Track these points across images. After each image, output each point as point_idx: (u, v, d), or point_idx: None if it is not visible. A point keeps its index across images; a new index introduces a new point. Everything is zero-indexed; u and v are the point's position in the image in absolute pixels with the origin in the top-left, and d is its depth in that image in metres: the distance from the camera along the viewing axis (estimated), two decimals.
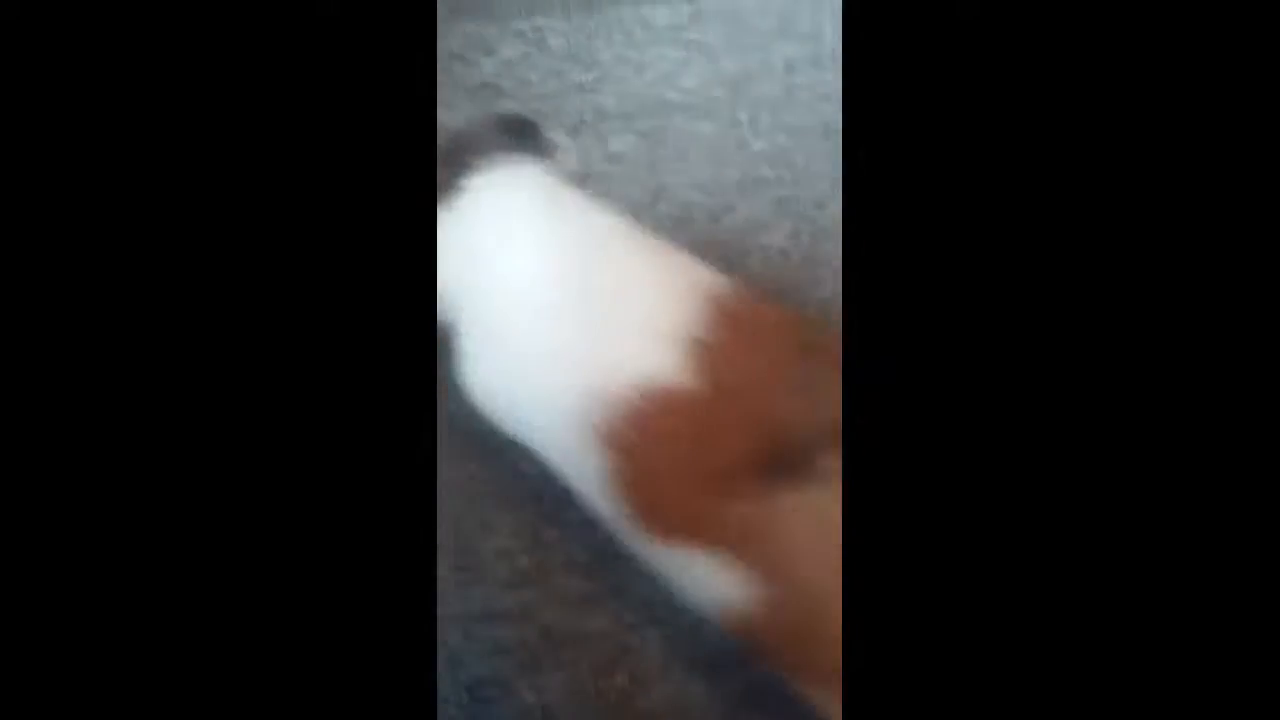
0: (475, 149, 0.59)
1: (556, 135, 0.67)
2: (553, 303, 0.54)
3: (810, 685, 0.50)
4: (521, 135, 0.63)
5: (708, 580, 0.50)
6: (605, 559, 0.66)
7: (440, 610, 0.67)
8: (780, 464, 0.48)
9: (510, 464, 0.70)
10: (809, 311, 0.77)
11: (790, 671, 0.51)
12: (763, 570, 0.48)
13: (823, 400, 0.48)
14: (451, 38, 0.98)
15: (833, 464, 0.47)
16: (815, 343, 0.52)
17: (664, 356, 0.51)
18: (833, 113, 0.97)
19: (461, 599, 0.69)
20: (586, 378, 0.52)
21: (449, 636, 0.67)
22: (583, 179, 0.67)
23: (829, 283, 0.84)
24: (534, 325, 0.54)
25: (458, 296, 0.57)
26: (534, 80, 0.97)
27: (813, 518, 0.47)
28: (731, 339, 0.51)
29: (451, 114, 0.89)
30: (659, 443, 0.50)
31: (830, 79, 1.00)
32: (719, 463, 0.49)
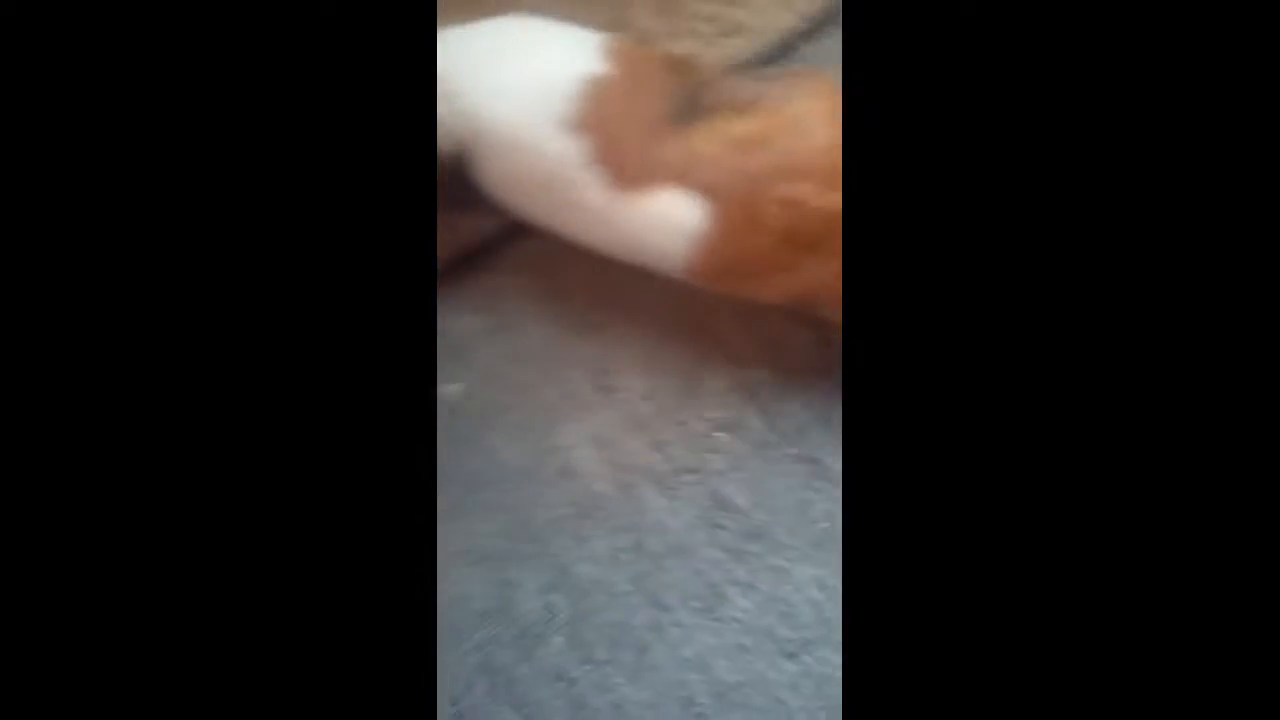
0: None
1: None
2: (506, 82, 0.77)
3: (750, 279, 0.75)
4: None
5: (671, 213, 0.71)
6: None
7: None
8: (684, 113, 0.71)
9: None
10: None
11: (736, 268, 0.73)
12: (703, 192, 0.70)
13: (691, 71, 0.75)
14: None
15: (714, 100, 0.71)
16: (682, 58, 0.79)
17: (587, 60, 0.73)
18: None
19: None
20: (546, 94, 0.73)
21: None
22: None
23: None
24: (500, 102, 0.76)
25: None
26: None
27: (720, 140, 0.70)
28: (626, 49, 0.76)
29: None
30: (607, 115, 0.71)
31: None
32: (648, 121, 0.71)
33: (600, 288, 0.88)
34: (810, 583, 0.77)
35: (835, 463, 0.81)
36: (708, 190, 0.69)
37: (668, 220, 0.71)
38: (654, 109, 0.71)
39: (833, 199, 0.67)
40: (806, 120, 0.69)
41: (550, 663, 0.77)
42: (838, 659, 0.74)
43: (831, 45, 0.94)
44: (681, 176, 0.69)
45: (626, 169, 0.71)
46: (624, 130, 0.71)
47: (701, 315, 0.86)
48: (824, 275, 0.70)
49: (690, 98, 0.72)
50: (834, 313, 0.74)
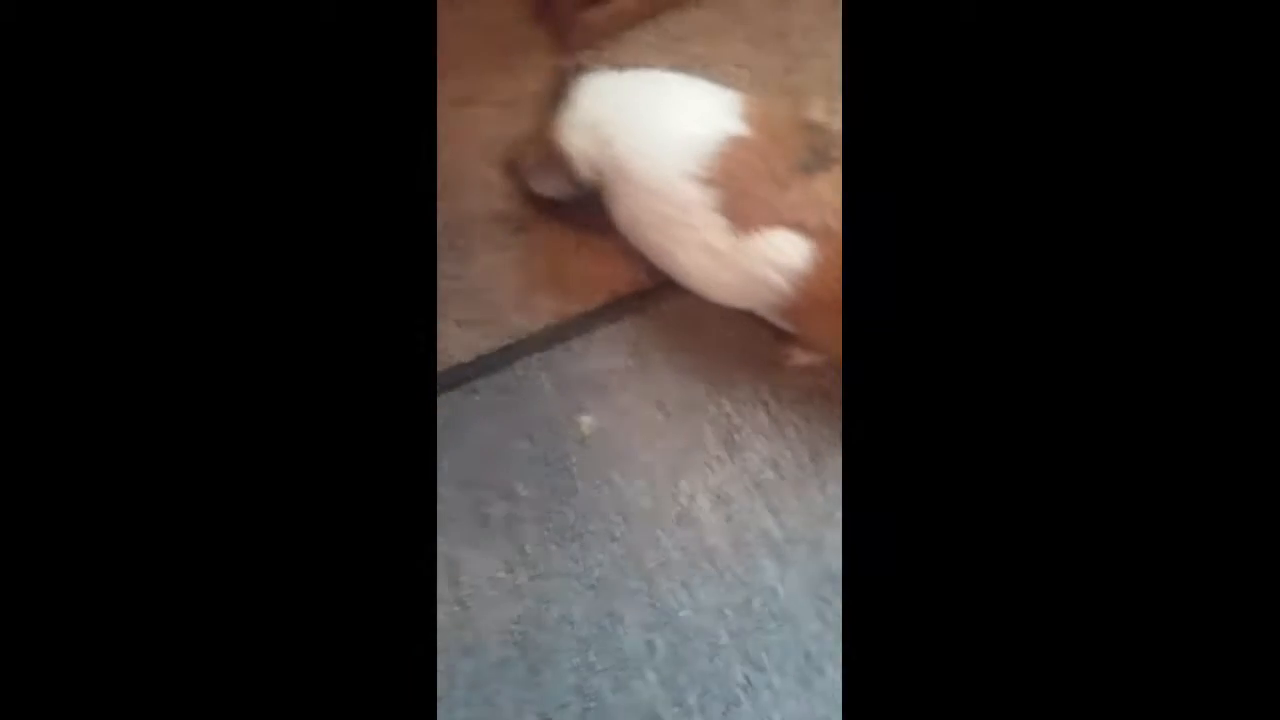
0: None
1: None
2: (642, 128, 0.87)
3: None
4: None
5: (780, 252, 0.79)
6: None
7: None
8: (811, 164, 0.80)
9: None
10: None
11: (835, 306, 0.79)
12: (810, 235, 0.78)
13: (821, 128, 0.83)
14: None
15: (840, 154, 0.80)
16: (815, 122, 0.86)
17: (725, 121, 0.83)
18: None
19: None
20: (681, 151, 0.83)
21: None
22: None
23: None
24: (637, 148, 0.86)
25: (593, 159, 0.90)
26: None
27: (839, 187, 0.78)
28: (761, 109, 0.85)
29: None
30: (734, 172, 0.81)
31: None
32: (775, 172, 0.79)
33: (739, 346, 0.92)
34: None
35: None
36: (816, 232, 0.78)
37: (776, 258, 0.79)
38: (784, 162, 0.80)
39: None
40: None
41: (643, 698, 0.80)
42: None
43: None
44: (799, 218, 0.78)
45: (750, 215, 0.80)
46: (751, 183, 0.80)
47: (831, 388, 0.90)
48: None
49: (819, 151, 0.80)
50: None
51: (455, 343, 0.95)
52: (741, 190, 0.81)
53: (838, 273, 0.77)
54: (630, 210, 0.88)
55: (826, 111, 0.97)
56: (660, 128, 0.85)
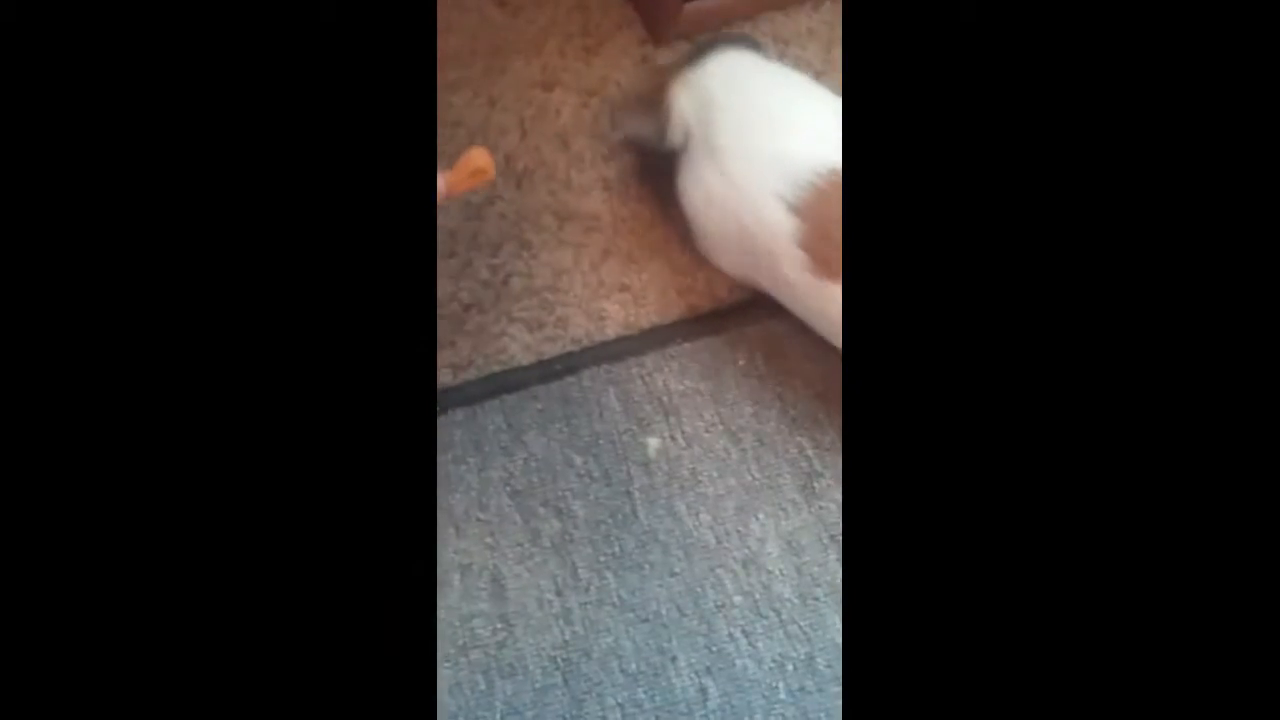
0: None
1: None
2: (748, 123, 0.83)
3: None
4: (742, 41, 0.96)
5: None
6: None
7: None
8: None
9: None
10: None
11: None
12: None
13: None
14: None
15: None
16: None
17: (825, 149, 0.78)
18: None
19: None
20: (777, 168, 0.79)
21: None
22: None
23: None
24: (745, 136, 0.83)
25: (685, 129, 0.86)
26: None
27: None
28: None
29: None
30: (824, 210, 0.76)
31: None
32: None
33: (825, 383, 0.87)
34: None
35: None
36: None
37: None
38: None
39: None
40: None
41: None
42: None
43: None
44: None
45: (831, 261, 0.76)
46: (836, 230, 0.75)
47: None
48: None
49: None
50: None
51: (516, 343, 0.89)
52: (825, 235, 0.76)
53: None
54: (706, 191, 0.84)
55: None
56: (770, 129, 0.81)
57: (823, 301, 0.78)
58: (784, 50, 1.02)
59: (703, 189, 0.84)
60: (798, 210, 0.77)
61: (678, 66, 0.88)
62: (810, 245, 0.77)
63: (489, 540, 0.81)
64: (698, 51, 0.88)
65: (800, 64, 1.00)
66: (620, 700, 0.77)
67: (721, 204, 0.83)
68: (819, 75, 0.98)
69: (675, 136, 0.86)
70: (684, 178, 0.86)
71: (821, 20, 1.05)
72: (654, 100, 0.87)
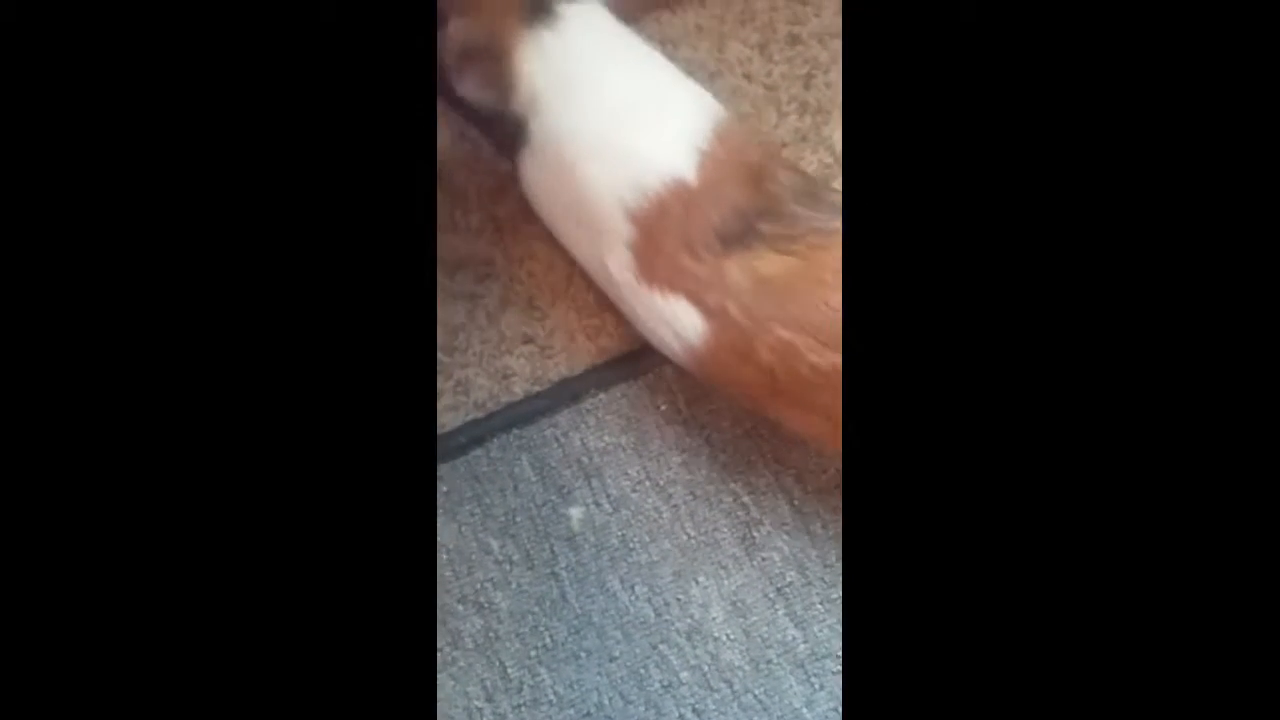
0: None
1: None
2: (602, 108, 0.77)
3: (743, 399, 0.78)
4: None
5: (677, 319, 0.73)
6: None
7: None
8: (732, 237, 0.71)
9: None
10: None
11: (726, 387, 0.77)
12: (708, 314, 0.72)
13: (765, 189, 0.73)
14: None
15: (768, 229, 0.71)
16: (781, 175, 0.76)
17: (677, 158, 0.73)
18: None
19: None
20: (623, 167, 0.74)
21: None
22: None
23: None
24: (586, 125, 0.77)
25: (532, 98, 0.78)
26: None
27: (749, 274, 0.71)
28: (721, 150, 0.74)
29: None
30: (661, 222, 0.73)
31: None
32: (693, 238, 0.72)
33: (754, 420, 0.79)
34: None
35: None
36: (714, 313, 0.71)
37: (672, 325, 0.74)
38: (706, 227, 0.72)
39: (830, 359, 0.67)
40: (835, 274, 0.69)
41: None
42: None
43: None
44: (698, 294, 0.72)
45: (655, 271, 0.73)
46: (667, 241, 0.73)
47: None
48: (805, 428, 0.73)
49: (746, 224, 0.72)
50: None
51: None
52: (656, 245, 0.72)
53: (729, 355, 0.72)
54: (543, 173, 0.78)
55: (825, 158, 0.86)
56: (620, 123, 0.75)
57: (642, 307, 0.75)
58: (673, 53, 0.93)
59: (541, 171, 0.78)
60: (634, 217, 0.73)
61: (519, 12, 0.77)
62: (639, 250, 0.73)
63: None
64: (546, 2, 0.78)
65: (692, 66, 0.92)
66: None
67: (556, 188, 0.78)
68: (713, 77, 0.90)
69: (520, 102, 0.76)
70: (523, 154, 0.78)
71: (710, 15, 0.96)
72: (495, 54, 0.77)
